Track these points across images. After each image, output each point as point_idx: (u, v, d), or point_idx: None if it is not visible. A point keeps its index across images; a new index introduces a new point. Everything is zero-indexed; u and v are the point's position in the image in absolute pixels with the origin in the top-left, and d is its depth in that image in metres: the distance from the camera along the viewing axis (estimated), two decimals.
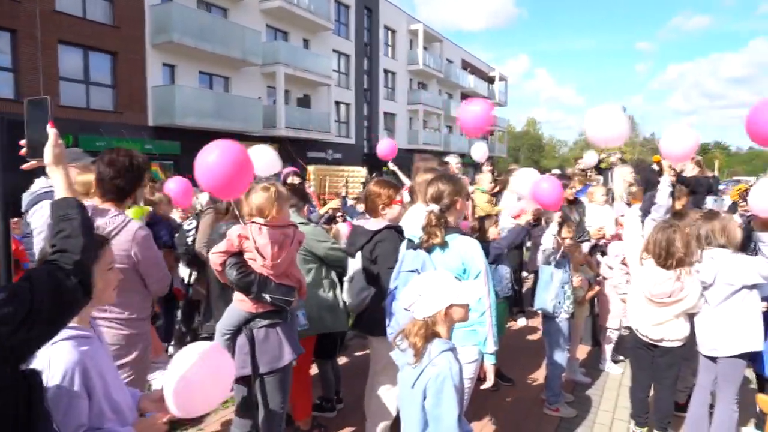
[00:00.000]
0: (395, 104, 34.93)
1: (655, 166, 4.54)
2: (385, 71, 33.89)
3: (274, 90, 23.45)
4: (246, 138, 21.80)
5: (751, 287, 3.17)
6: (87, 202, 2.46)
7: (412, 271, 2.77)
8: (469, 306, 2.09)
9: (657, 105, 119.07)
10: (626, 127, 3.49)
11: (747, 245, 3.57)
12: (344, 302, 3.55)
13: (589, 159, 8.29)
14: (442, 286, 1.98)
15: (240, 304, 2.74)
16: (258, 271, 2.67)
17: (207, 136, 4.71)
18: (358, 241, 3.25)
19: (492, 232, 4.11)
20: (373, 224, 3.25)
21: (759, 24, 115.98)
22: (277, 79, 22.89)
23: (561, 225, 3.91)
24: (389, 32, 34.19)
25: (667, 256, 3.20)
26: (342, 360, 5.01)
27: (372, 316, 3.18)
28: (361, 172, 15.92)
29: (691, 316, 3.33)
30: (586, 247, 4.99)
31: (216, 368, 1.82)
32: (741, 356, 3.20)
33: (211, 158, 2.42)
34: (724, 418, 3.28)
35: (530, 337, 5.96)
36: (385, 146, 6.45)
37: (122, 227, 2.54)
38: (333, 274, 3.71)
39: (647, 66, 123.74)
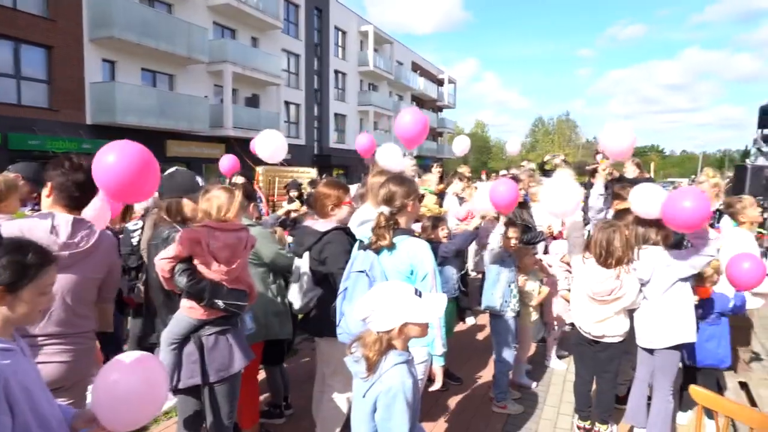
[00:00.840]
0: (346, 105, 34.85)
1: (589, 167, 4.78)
2: (336, 72, 33.77)
3: (221, 89, 22.91)
4: (192, 138, 21.20)
5: (684, 280, 3.33)
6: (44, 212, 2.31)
7: (361, 271, 2.75)
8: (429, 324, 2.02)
9: (598, 109, 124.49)
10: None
11: (681, 241, 3.75)
12: (290, 306, 3.48)
13: (512, 147, 8.75)
14: (398, 303, 1.89)
15: (189, 312, 2.62)
16: (209, 276, 2.57)
17: (150, 135, 4.54)
18: (306, 242, 3.20)
19: (440, 234, 4.14)
20: (321, 225, 3.21)
21: (691, 34, 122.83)
22: (225, 78, 22.37)
23: (507, 225, 3.98)
24: (339, 33, 34.08)
25: (607, 256, 3.31)
26: (290, 364, 4.92)
27: (319, 318, 3.14)
28: (311, 173, 15.77)
29: (630, 312, 3.46)
30: (541, 246, 5.12)
31: (146, 379, 1.73)
32: (676, 348, 3.36)
33: (110, 159, 2.20)
34: (660, 408, 3.42)
35: (478, 336, 6.05)
36: (363, 141, 6.24)
37: (105, 237, 2.43)
38: (280, 279, 3.63)
39: (588, 72, 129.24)
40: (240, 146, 19.46)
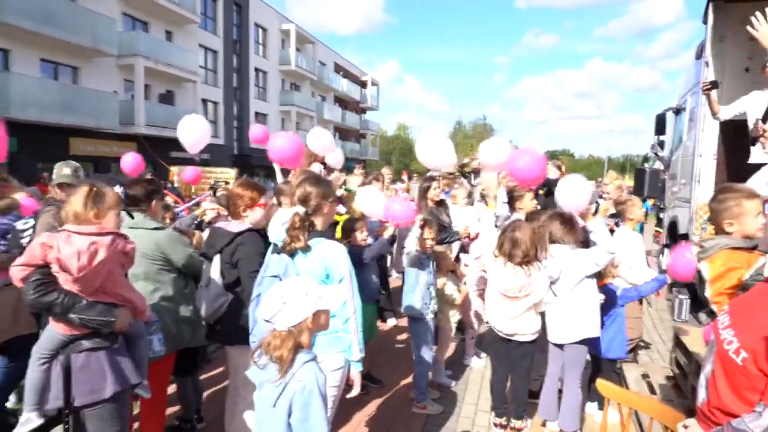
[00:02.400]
0: (267, 104, 34.10)
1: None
2: (257, 70, 32.95)
3: (132, 84, 21.62)
4: (99, 135, 19.82)
5: (590, 277, 3.48)
6: None
7: (275, 276, 2.63)
8: (331, 312, 2.01)
9: (513, 113, 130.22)
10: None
11: (587, 240, 3.93)
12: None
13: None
14: (307, 292, 1.87)
15: (55, 325, 2.36)
16: (67, 287, 2.29)
17: (52, 132, 4.13)
18: (218, 243, 3.02)
19: (359, 237, 4.09)
20: (234, 226, 3.05)
21: (596, 46, 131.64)
22: (136, 73, 21.14)
23: (423, 227, 3.99)
24: (260, 30, 33.30)
25: (515, 254, 3.43)
26: (203, 375, 4.67)
27: (230, 325, 2.97)
28: (230, 173, 15.26)
29: (541, 311, 3.58)
30: (456, 246, 5.20)
31: None
32: (583, 342, 3.51)
33: None
34: (571, 401, 3.56)
35: (399, 337, 6.06)
36: (256, 132, 6.04)
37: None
38: (192, 284, 3.42)
39: (504, 77, 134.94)
40: (154, 145, 18.49)
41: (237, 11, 30.58)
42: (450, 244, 4.98)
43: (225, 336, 3.04)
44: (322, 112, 39.65)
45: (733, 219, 2.36)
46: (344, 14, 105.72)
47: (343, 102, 45.71)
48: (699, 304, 6.36)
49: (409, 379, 4.59)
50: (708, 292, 2.31)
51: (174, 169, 14.48)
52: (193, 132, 5.09)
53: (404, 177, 10.47)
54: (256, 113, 32.90)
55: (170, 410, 3.76)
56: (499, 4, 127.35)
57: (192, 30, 25.83)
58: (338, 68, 44.88)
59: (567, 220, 3.56)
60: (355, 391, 2.68)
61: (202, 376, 4.49)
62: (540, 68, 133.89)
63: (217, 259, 2.99)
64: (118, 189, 2.66)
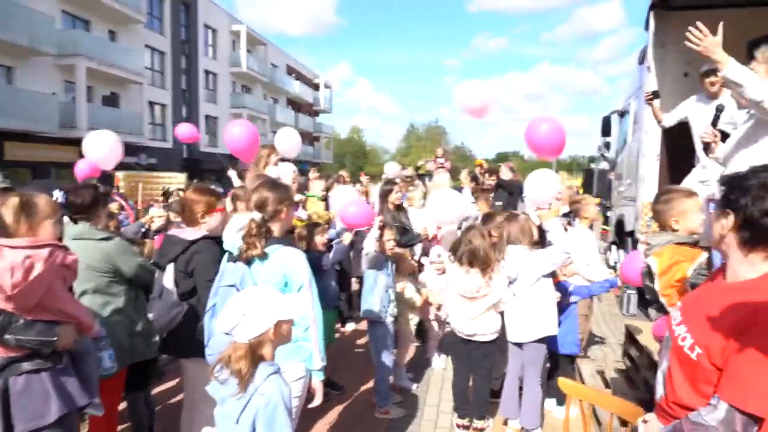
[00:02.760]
0: (217, 107, 33.32)
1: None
2: (206, 72, 32.17)
3: (73, 85, 20.64)
4: (37, 139, 18.83)
5: (546, 276, 3.56)
6: None
7: (231, 285, 2.54)
8: (293, 321, 1.95)
9: (464, 116, 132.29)
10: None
11: (544, 240, 4.01)
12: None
13: (390, 170, 8.99)
14: (268, 302, 1.81)
15: None
16: (0, 306, 2.07)
17: None
18: (171, 252, 2.89)
19: (318, 241, 4.02)
20: (189, 233, 2.93)
21: (543, 50, 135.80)
22: (77, 74, 20.22)
23: (382, 229, 3.97)
24: (210, 31, 32.53)
25: (472, 256, 3.49)
26: (155, 389, 4.48)
27: (186, 336, 2.84)
28: (180, 178, 14.81)
29: (500, 311, 3.63)
30: (418, 249, 5.21)
31: None
32: (542, 340, 3.57)
33: None
34: (531, 399, 3.62)
35: (360, 342, 6.01)
36: (184, 130, 5.82)
37: None
38: (142, 295, 3.27)
39: (454, 80, 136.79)
40: None
41: (185, 11, 29.77)
42: (412, 246, 4.99)
43: (180, 348, 2.91)
44: (274, 115, 39.09)
45: (678, 217, 2.53)
46: (295, 15, 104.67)
47: (296, 104, 45.23)
48: (646, 298, 6.63)
49: (371, 384, 4.55)
50: (657, 285, 2.41)
51: (119, 174, 13.93)
52: (101, 148, 4.85)
53: (363, 178, 10.44)
54: (206, 116, 32.12)
55: (121, 427, 3.58)
56: (449, 8, 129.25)
57: (137, 30, 24.95)
58: (291, 70, 44.40)
59: (523, 222, 3.62)
60: (317, 400, 2.63)
61: (154, 391, 4.31)
62: (490, 71, 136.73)
63: (170, 268, 2.87)
64: (58, 195, 2.49)
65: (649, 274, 2.44)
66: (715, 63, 2.79)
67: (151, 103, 26.89)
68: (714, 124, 3.38)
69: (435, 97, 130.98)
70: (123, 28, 24.09)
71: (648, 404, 2.82)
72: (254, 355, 1.79)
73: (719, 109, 3.39)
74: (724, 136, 3.51)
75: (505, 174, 7.73)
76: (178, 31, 28.90)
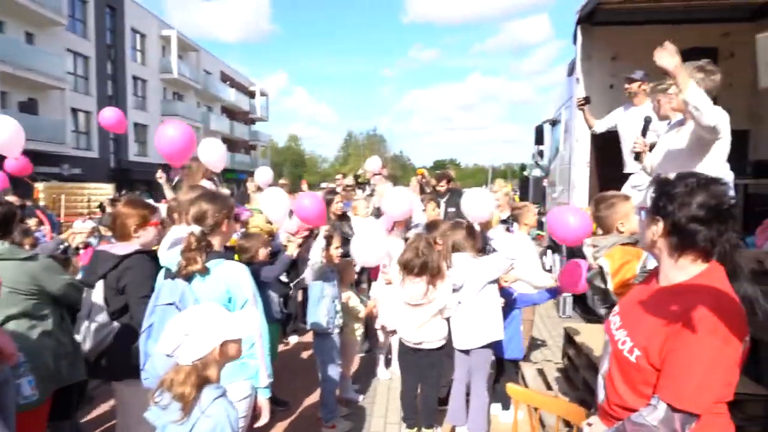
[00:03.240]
0: (147, 114, 31.98)
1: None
2: (134, 78, 30.82)
3: None
4: None
5: (491, 282, 3.62)
6: None
7: (170, 304, 2.40)
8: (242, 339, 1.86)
9: (402, 125, 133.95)
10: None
11: (485, 247, 4.09)
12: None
13: (372, 165, 8.73)
14: (213, 321, 1.72)
15: None
16: None
17: None
18: (101, 268, 2.71)
19: (261, 253, 3.90)
20: (120, 248, 2.76)
21: (476, 61, 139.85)
22: None
23: (328, 239, 3.91)
24: (138, 36, 31.24)
25: (416, 263, 3.50)
26: (83, 418, 4.18)
27: (117, 358, 2.67)
28: (107, 189, 14.05)
29: (447, 318, 3.65)
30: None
31: None
32: (488, 346, 3.62)
33: None
34: (479, 404, 3.66)
35: (303, 355, 5.89)
36: (108, 115, 5.22)
37: None
38: (67, 315, 3.04)
39: (391, 90, 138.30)
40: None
41: (111, 14, 28.44)
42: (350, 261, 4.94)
43: (111, 371, 2.72)
44: (208, 123, 37.99)
45: (623, 219, 2.66)
46: (228, 21, 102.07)
47: (231, 112, 44.18)
48: (581, 300, 6.91)
49: (316, 398, 4.45)
50: (610, 285, 2.51)
51: (39, 186, 13.03)
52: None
53: (303, 186, 10.27)
54: (135, 123, 30.73)
55: None
56: (384, 18, 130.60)
57: (57, 32, 23.53)
58: (225, 77, 43.34)
59: (468, 230, 3.67)
60: (264, 419, 2.54)
61: (83, 419, 4.03)
62: (425, 81, 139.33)
63: (100, 285, 2.68)
64: None
65: (601, 274, 2.53)
66: (677, 84, 2.93)
67: (75, 110, 25.43)
68: (643, 134, 3.57)
69: (373, 107, 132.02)
70: (41, 30, 22.65)
71: (588, 404, 2.93)
72: (198, 377, 1.69)
73: (647, 120, 3.59)
74: (651, 145, 3.73)
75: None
76: (103, 35, 27.53)
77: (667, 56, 2.82)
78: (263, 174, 7.77)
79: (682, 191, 1.57)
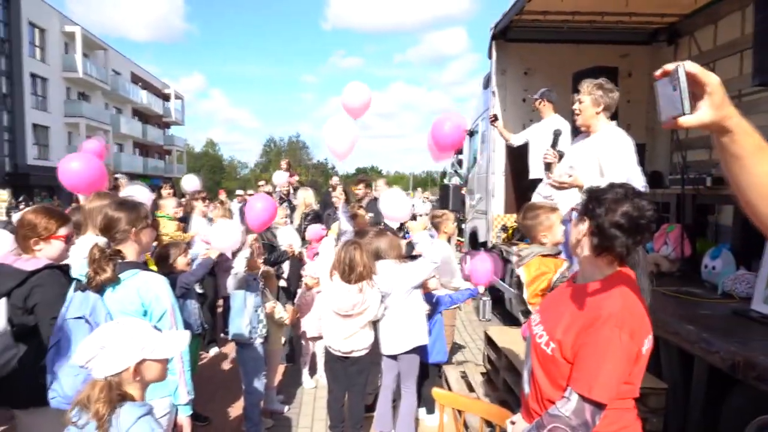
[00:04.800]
0: (48, 115, 29.67)
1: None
2: (33, 76, 28.49)
3: None
4: None
5: (416, 287, 3.67)
6: None
7: (79, 318, 2.24)
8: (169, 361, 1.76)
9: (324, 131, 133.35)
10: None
11: (411, 253, 4.16)
12: None
13: (279, 179, 8.66)
14: (132, 337, 1.62)
15: None
16: None
17: None
18: (3, 285, 2.45)
19: (180, 262, 3.73)
20: (25, 263, 2.50)
21: (396, 71, 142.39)
22: None
23: (252, 247, 3.82)
24: (36, 30, 28.94)
25: (350, 272, 3.47)
26: None
27: (22, 383, 2.44)
28: (3, 195, 12.88)
29: (374, 324, 3.66)
30: (287, 266, 5.08)
31: None
32: (414, 350, 3.66)
33: None
34: (406, 409, 3.69)
35: (224, 366, 5.69)
36: (92, 146, 4.79)
37: None
38: None
39: (313, 96, 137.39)
40: None
41: (4, 6, 26.17)
42: (280, 264, 4.86)
43: (14, 398, 2.47)
44: (118, 126, 35.89)
45: (546, 231, 2.81)
46: (138, 19, 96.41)
47: (143, 115, 41.99)
48: (500, 303, 7.21)
49: (239, 411, 4.31)
50: (525, 294, 2.63)
51: None
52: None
53: (222, 196, 9.90)
54: (35, 125, 28.40)
55: None
56: (304, 23, 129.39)
57: None
58: (136, 79, 41.12)
59: (391, 236, 3.71)
60: None
61: None
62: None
63: (2, 303, 2.43)
64: None
65: (518, 283, 2.65)
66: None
67: None
68: (553, 146, 3.79)
69: (295, 112, 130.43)
70: None
71: (509, 404, 3.06)
72: (112, 394, 1.58)
73: (557, 133, 3.81)
74: (560, 156, 3.98)
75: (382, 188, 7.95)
76: None
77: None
78: (190, 182, 7.68)
79: (611, 198, 1.70)
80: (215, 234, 3.65)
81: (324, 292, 3.70)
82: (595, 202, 1.74)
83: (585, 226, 1.74)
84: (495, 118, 5.89)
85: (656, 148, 7.20)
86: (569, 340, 1.69)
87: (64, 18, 31.61)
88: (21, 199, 11.87)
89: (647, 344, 1.69)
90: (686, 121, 1.00)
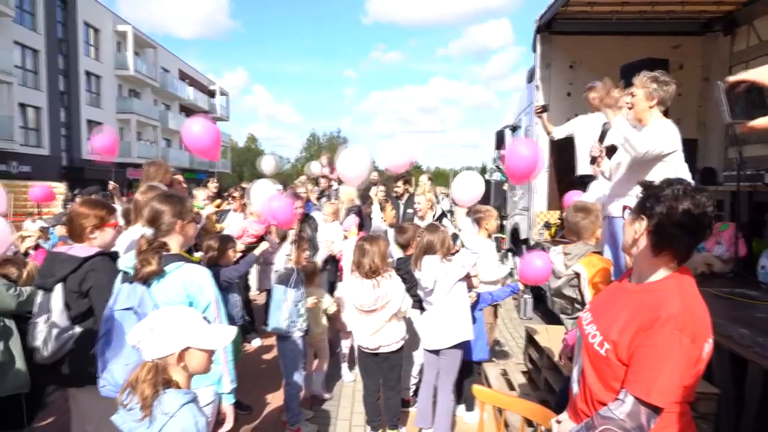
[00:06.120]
0: (102, 112, 30.90)
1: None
2: (88, 74, 29.72)
3: None
4: None
5: (461, 281, 3.63)
6: None
7: (128, 309, 2.33)
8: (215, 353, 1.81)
9: (364, 126, 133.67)
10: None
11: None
12: (22, 356, 2.81)
13: (314, 168, 8.71)
14: (180, 324, 1.67)
15: None
16: None
17: None
18: (59, 271, 2.59)
19: (230, 255, 3.83)
20: (79, 250, 2.65)
21: (438, 65, 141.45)
22: None
23: (296, 244, 3.87)
24: (91, 30, 30.15)
25: (364, 267, 3.52)
26: (38, 423, 3.99)
27: (78, 364, 2.56)
28: (60, 188, 13.50)
29: (404, 320, 3.67)
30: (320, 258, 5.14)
31: None
32: (457, 347, 3.63)
33: None
34: (445, 406, 3.66)
35: (265, 358, 5.82)
36: (101, 141, 5.04)
37: None
38: (7, 321, 2.94)
39: (353, 91, 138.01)
40: None
41: (62, 7, 27.35)
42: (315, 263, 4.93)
43: (72, 377, 2.60)
44: (166, 121, 37.04)
45: (596, 230, 2.86)
46: (185, 17, 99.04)
47: (189, 111, 43.17)
48: (542, 302, 7.08)
49: (280, 401, 4.40)
50: (587, 291, 2.60)
51: None
52: None
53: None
54: (89, 121, 29.62)
55: None
56: (346, 18, 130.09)
57: (5, 24, 22.45)
58: (183, 76, 42.31)
59: (444, 232, 3.69)
60: (228, 425, 2.49)
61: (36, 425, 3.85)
62: (388, 83, 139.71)
63: (59, 289, 2.56)
64: None
65: (577, 280, 2.61)
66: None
67: (23, 105, 24.31)
68: (601, 140, 3.68)
69: (336, 107, 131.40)
70: None
71: (550, 404, 3.00)
72: (158, 377, 1.63)
73: (606, 128, 3.70)
74: (610, 152, 3.86)
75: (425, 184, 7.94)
76: (54, 29, 26.44)
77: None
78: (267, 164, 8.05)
79: (670, 195, 1.63)
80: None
81: (348, 288, 3.70)
82: (653, 199, 1.67)
83: (642, 224, 1.68)
84: (544, 109, 5.69)
85: (708, 143, 6.89)
86: (625, 341, 1.64)
87: (117, 18, 32.81)
88: (77, 192, 12.41)
89: (707, 347, 1.62)
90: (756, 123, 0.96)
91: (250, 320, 6.02)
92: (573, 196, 4.86)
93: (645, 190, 1.74)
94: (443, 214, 5.43)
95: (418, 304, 3.84)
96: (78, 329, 2.57)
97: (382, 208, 4.83)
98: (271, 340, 5.93)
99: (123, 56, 32.48)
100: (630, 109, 3.29)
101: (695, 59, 6.86)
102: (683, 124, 6.74)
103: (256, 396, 4.66)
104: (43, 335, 2.54)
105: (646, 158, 3.10)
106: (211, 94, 48.12)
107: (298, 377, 4.00)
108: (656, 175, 3.01)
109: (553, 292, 2.97)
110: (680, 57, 6.84)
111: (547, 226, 6.95)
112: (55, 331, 2.52)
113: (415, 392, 4.22)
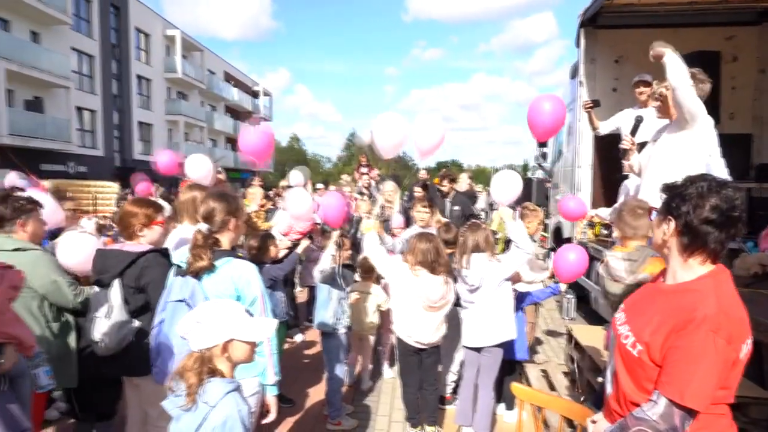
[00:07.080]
0: (152, 114, 32.07)
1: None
2: (139, 77, 30.89)
3: None
4: None
5: (507, 280, 3.64)
6: None
7: (181, 301, 2.45)
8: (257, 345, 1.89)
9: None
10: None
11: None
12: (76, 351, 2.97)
13: (295, 179, 7.76)
14: (225, 317, 1.76)
15: None
16: None
17: None
18: (113, 267, 2.74)
19: (272, 252, 3.95)
20: (131, 247, 2.79)
21: (479, 62, 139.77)
22: None
23: (339, 244, 3.94)
24: (142, 35, 31.30)
25: (436, 263, 3.47)
26: None
27: (140, 355, 2.70)
28: (113, 187, 14.09)
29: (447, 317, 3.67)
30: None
31: None
32: (500, 345, 3.62)
33: None
34: (486, 404, 3.67)
35: (307, 353, 5.94)
36: (165, 159, 5.53)
37: None
38: (69, 317, 3.08)
39: (395, 89, 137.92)
40: (20, 156, 16.55)
41: (115, 14, 28.52)
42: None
43: (135, 367, 2.74)
44: (212, 122, 38.07)
45: (650, 230, 2.72)
46: (229, 19, 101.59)
47: (234, 112, 44.25)
48: (585, 302, 6.94)
49: (321, 396, 4.50)
50: None
51: (46, 183, 13.07)
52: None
53: (308, 187, 10.18)
54: (140, 123, 30.84)
55: None
56: (386, 16, 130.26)
57: (63, 31, 23.63)
58: (228, 77, 43.40)
59: (488, 231, 3.69)
60: (272, 416, 2.58)
61: None
62: (428, 81, 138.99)
63: (116, 284, 2.71)
64: None
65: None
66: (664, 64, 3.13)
67: (80, 109, 25.51)
68: (633, 133, 3.58)
69: (377, 105, 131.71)
70: (46, 29, 22.74)
71: (592, 404, 2.96)
72: (204, 367, 1.72)
73: (639, 120, 3.59)
74: (642, 146, 3.74)
75: (464, 184, 7.90)
76: (107, 35, 27.62)
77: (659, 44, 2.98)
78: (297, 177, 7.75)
79: (695, 193, 1.60)
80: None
81: (403, 287, 3.67)
82: (678, 199, 1.64)
83: (671, 226, 1.65)
84: (595, 104, 5.51)
85: (765, 138, 6.58)
86: (658, 342, 1.62)
87: (166, 22, 33.97)
88: (128, 191, 12.94)
89: (745, 349, 1.58)
90: None
91: (294, 316, 6.16)
92: (568, 201, 4.76)
93: (668, 191, 1.70)
94: (472, 214, 5.38)
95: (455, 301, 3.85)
96: (137, 323, 2.71)
97: (432, 209, 4.87)
98: (313, 336, 6.06)
99: (171, 60, 33.60)
100: (660, 102, 3.21)
101: (750, 50, 6.56)
102: (737, 118, 6.49)
103: (298, 390, 4.77)
104: (104, 329, 2.67)
105: (685, 111, 3.02)
106: (255, 94, 49.16)
107: (341, 372, 4.08)
108: (692, 168, 2.92)
109: (613, 297, 2.88)
110: (734, 48, 6.56)
111: (591, 225, 6.81)
112: (116, 325, 2.65)
113: (454, 390, 4.24)
